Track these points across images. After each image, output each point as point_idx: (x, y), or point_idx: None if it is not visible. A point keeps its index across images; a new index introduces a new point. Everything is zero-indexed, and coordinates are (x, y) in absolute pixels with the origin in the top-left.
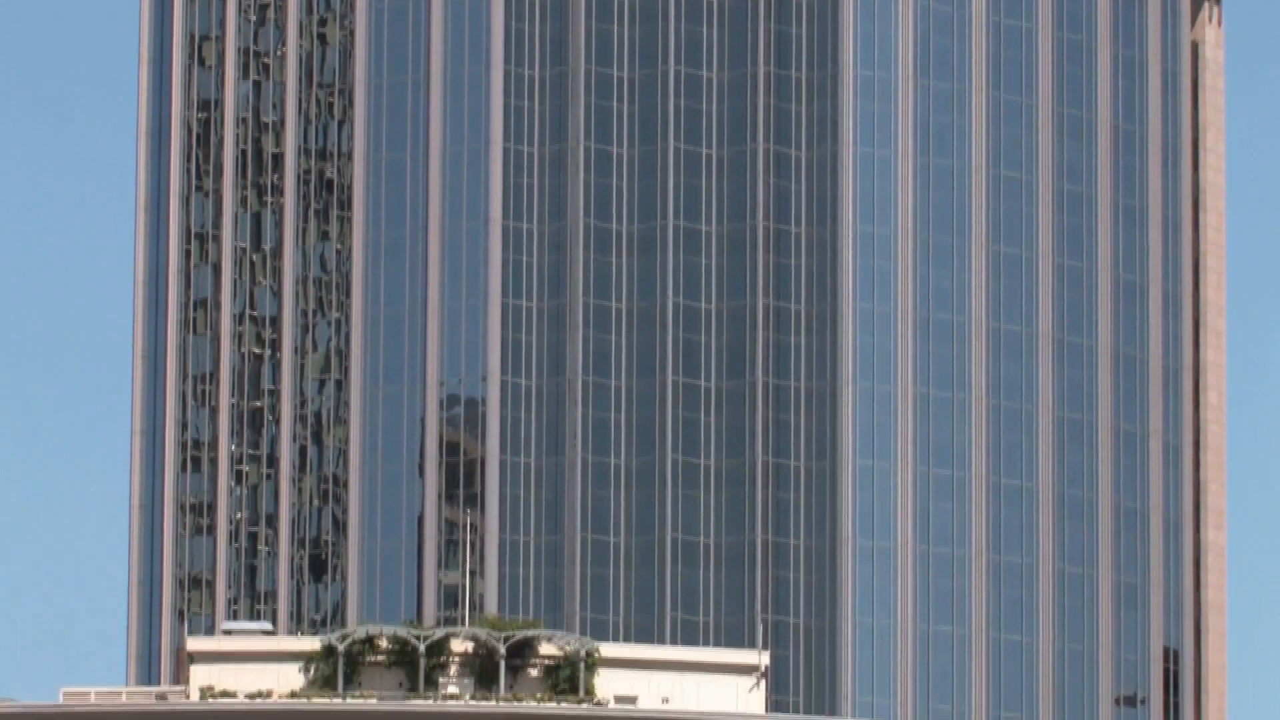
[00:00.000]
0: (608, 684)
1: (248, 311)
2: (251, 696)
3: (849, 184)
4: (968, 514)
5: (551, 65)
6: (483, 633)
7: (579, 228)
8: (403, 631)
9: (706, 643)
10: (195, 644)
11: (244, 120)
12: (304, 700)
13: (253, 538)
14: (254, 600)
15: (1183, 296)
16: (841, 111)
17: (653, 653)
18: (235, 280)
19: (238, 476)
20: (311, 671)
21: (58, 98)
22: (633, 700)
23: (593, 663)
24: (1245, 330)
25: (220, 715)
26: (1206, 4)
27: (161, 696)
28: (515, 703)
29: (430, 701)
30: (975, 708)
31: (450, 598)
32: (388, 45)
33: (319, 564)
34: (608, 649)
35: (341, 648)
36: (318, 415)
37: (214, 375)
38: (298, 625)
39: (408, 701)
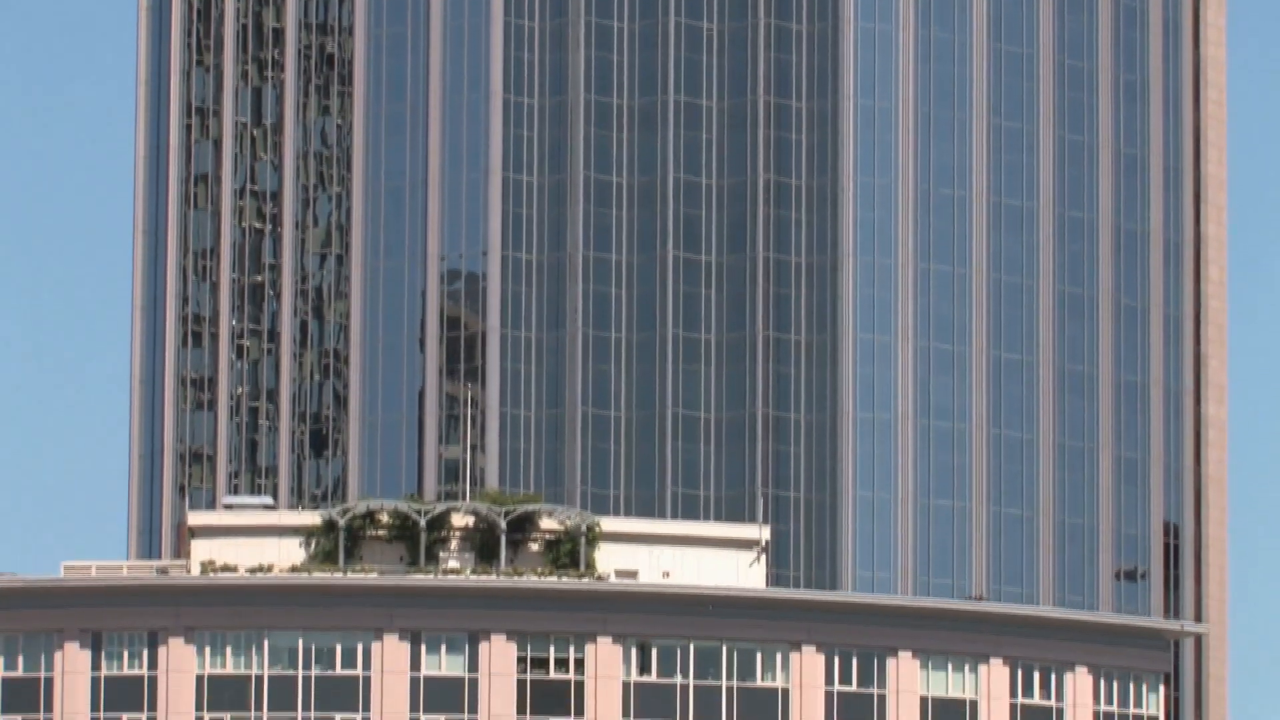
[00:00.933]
0: (608, 558)
1: (248, 186)
2: (252, 571)
3: (850, 58)
4: (968, 388)
5: None
6: (483, 507)
7: (579, 102)
8: (403, 506)
9: (707, 517)
10: (196, 518)
11: None
12: (305, 574)
13: (254, 412)
14: (255, 475)
15: (1183, 171)
16: None
17: (653, 527)
18: (236, 155)
19: (238, 351)
20: (312, 546)
21: None
22: (633, 574)
23: (593, 537)
24: (1246, 204)
25: (221, 589)
26: None
27: (162, 570)
28: (516, 577)
29: (430, 575)
30: (975, 581)
31: (451, 472)
32: None
33: (320, 439)
34: (608, 523)
35: (342, 522)
36: (318, 290)
37: (214, 250)
38: (298, 500)
39: (408, 575)
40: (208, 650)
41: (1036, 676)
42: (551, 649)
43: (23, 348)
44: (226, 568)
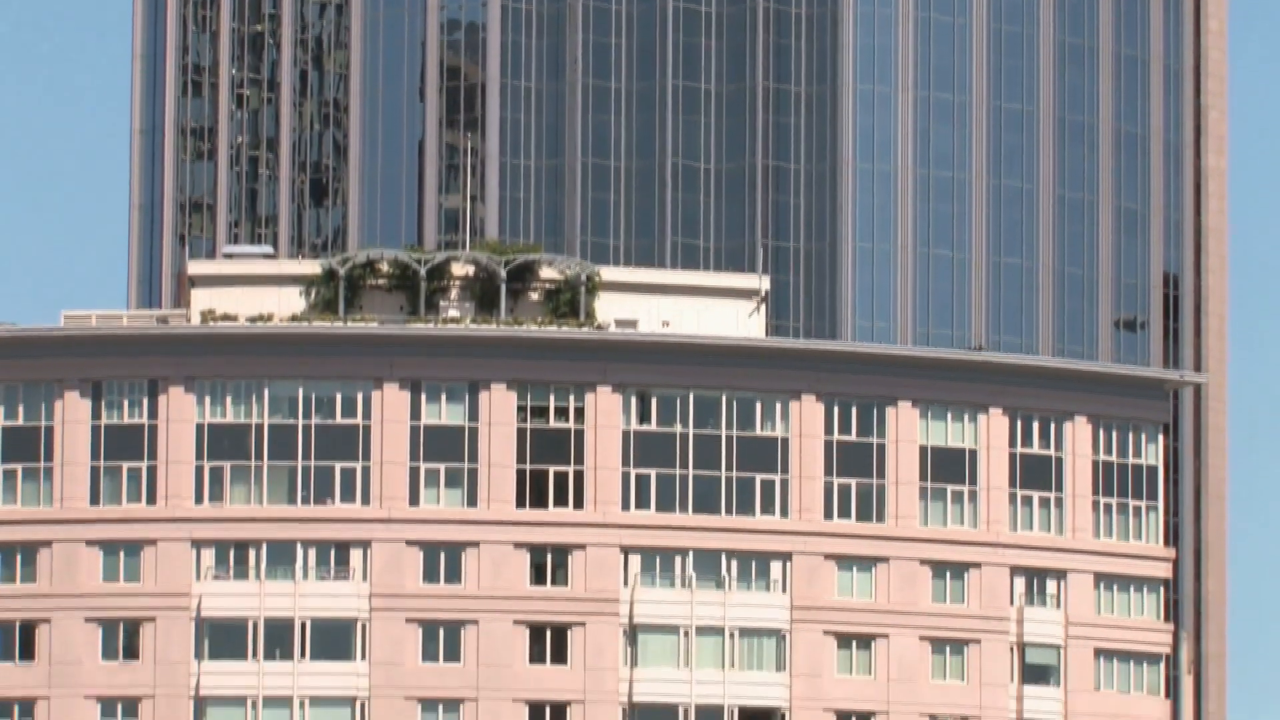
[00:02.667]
0: (608, 307)
1: None
2: (252, 320)
3: None
4: (968, 138)
5: None
6: (483, 256)
7: None
8: (403, 255)
9: (707, 267)
10: (196, 268)
11: None
12: (304, 323)
13: (254, 162)
14: (255, 224)
15: None
16: None
17: (653, 276)
18: None
19: (239, 101)
20: (312, 295)
21: None
22: (633, 324)
23: (593, 286)
24: None
25: (221, 338)
26: None
27: (162, 320)
28: (515, 326)
29: (430, 325)
30: (975, 331)
31: (450, 222)
32: None
33: (320, 188)
34: (608, 273)
35: (342, 271)
36: (318, 40)
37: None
38: (298, 249)
39: (408, 325)
40: (208, 399)
41: (1036, 426)
42: (551, 398)
43: (23, 97)
44: (226, 317)
